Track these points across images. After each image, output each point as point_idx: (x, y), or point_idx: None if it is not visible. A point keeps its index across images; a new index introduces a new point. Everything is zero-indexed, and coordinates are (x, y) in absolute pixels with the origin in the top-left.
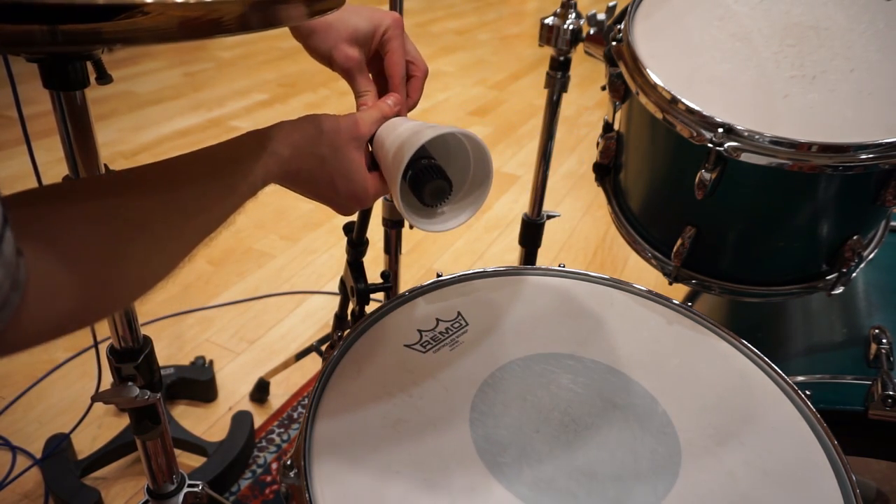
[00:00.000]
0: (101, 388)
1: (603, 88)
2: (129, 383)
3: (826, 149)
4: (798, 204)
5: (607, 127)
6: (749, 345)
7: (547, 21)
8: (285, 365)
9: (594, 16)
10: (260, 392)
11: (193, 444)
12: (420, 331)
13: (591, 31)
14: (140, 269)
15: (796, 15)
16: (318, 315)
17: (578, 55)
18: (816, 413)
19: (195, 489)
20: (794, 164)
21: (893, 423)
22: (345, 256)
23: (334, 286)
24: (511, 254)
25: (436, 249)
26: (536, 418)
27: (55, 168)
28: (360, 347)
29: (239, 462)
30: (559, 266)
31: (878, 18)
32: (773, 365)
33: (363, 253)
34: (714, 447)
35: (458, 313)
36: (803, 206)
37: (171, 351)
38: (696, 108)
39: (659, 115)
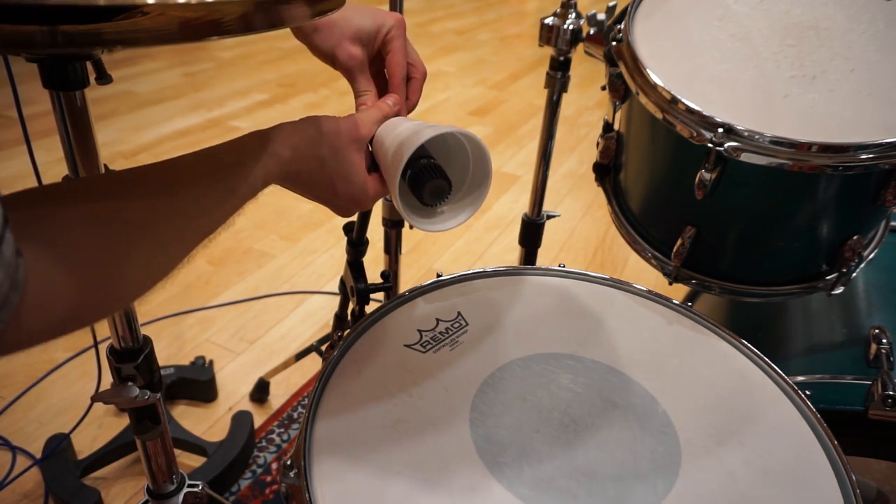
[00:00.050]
0: (101, 388)
1: (603, 88)
2: (129, 383)
3: (826, 149)
4: (798, 204)
5: (607, 127)
6: (749, 345)
7: (547, 21)
8: (285, 365)
9: (594, 16)
10: (260, 392)
11: (193, 444)
12: (420, 331)
13: (591, 31)
14: (139, 271)
15: (796, 15)
16: (318, 315)
17: (578, 55)
18: (816, 413)
19: (195, 489)
20: (794, 164)
21: (893, 423)
22: (345, 256)
23: (334, 286)
24: (511, 254)
25: (436, 249)
26: (536, 418)
27: (55, 168)
28: (360, 347)
29: (239, 462)
30: (559, 266)
31: (878, 18)
32: (773, 365)
33: (363, 253)
34: (714, 447)
35: (458, 313)
36: (803, 206)
37: (171, 351)
38: (696, 108)
39: (659, 115)
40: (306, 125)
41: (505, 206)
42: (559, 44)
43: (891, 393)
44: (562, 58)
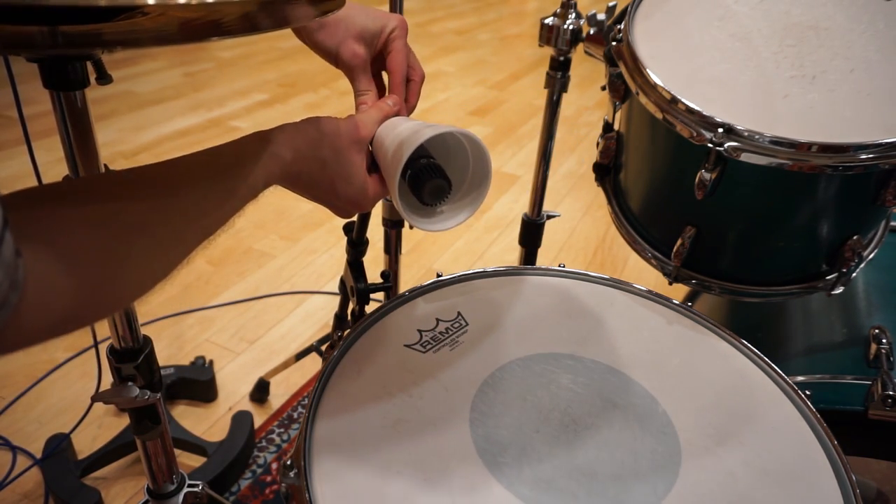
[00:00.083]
0: (101, 388)
1: (603, 88)
2: (129, 383)
3: (826, 149)
4: (798, 204)
5: (607, 127)
6: (749, 345)
7: (547, 21)
8: (285, 365)
9: (594, 16)
10: (260, 392)
11: (193, 444)
12: (420, 331)
13: (591, 31)
14: (138, 271)
15: (796, 15)
16: (318, 315)
17: (578, 55)
18: (816, 413)
19: (195, 489)
20: (794, 164)
21: (893, 423)
22: (345, 256)
23: (334, 286)
24: (511, 254)
25: (436, 249)
26: (536, 418)
27: (55, 168)
28: (360, 347)
29: (239, 462)
30: (559, 266)
31: (878, 18)
32: (773, 365)
33: (363, 253)
34: (714, 447)
35: (458, 313)
36: (803, 206)
37: (171, 351)
38: (696, 108)
39: (659, 115)
40: (307, 126)
41: (505, 206)
42: (559, 44)
43: (891, 393)
44: (562, 58)
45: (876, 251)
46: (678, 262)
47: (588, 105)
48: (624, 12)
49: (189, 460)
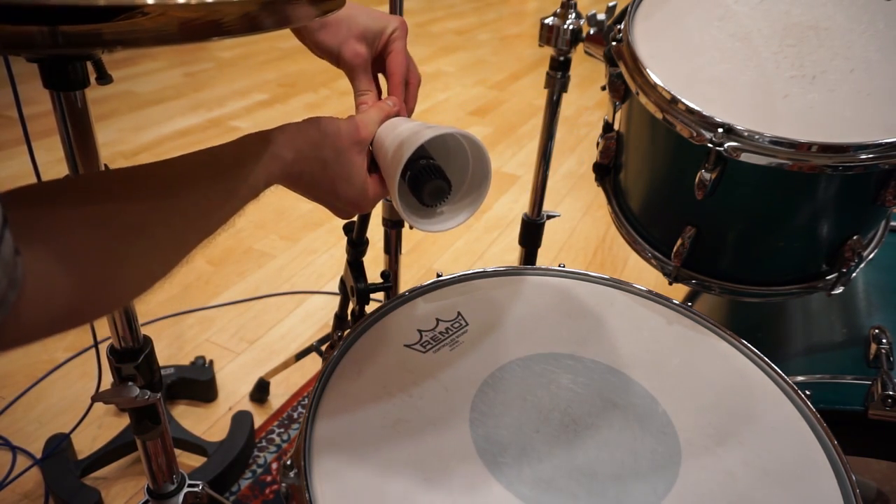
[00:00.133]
0: (101, 388)
1: (603, 88)
2: (130, 383)
3: (826, 149)
4: (798, 204)
5: (607, 127)
6: (749, 345)
7: (547, 21)
8: (285, 365)
9: (594, 16)
10: (260, 392)
11: (193, 444)
12: (420, 331)
13: (591, 31)
14: (137, 271)
15: (796, 15)
16: (318, 315)
17: (578, 55)
18: (816, 413)
19: (195, 489)
20: (794, 164)
21: (893, 423)
22: (345, 256)
23: (334, 286)
24: (511, 254)
25: (436, 249)
26: (536, 418)
27: (55, 168)
28: (360, 347)
29: (239, 462)
30: (559, 266)
31: (878, 18)
32: (773, 365)
33: (363, 253)
34: (714, 447)
35: (458, 313)
36: (803, 206)
37: (171, 351)
38: (696, 108)
39: (659, 115)
40: (309, 126)
41: (505, 206)
42: (559, 44)
43: (891, 393)
44: (562, 58)
45: (876, 251)
46: (678, 262)
47: (588, 105)
48: (624, 12)
49: (189, 460)
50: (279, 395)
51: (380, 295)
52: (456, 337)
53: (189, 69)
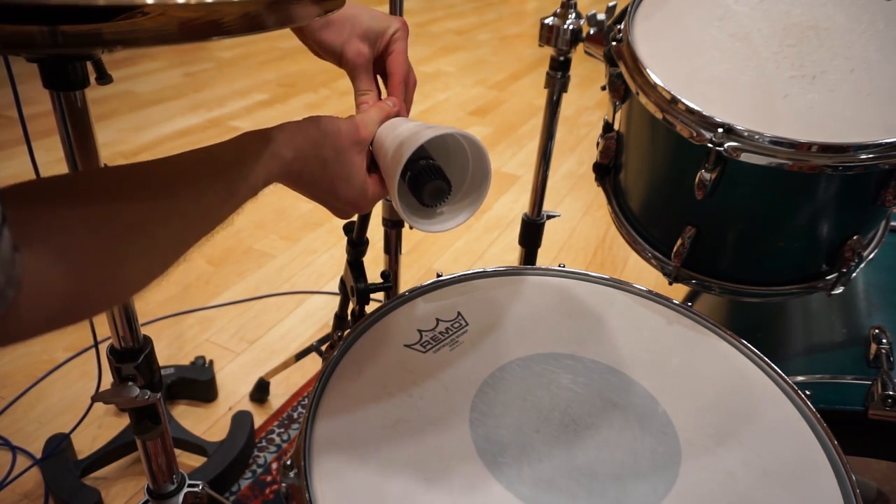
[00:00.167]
0: (101, 388)
1: (603, 88)
2: (129, 383)
3: (826, 149)
4: (798, 204)
5: (607, 127)
6: (749, 345)
7: (547, 21)
8: (285, 365)
9: (594, 16)
10: (260, 392)
11: (193, 444)
12: (420, 331)
13: (591, 31)
14: (136, 269)
15: (796, 15)
16: (318, 315)
17: (578, 55)
18: (816, 413)
19: (195, 489)
20: (794, 164)
21: (893, 423)
22: (345, 256)
23: (334, 286)
24: (511, 254)
25: (436, 249)
26: (536, 418)
27: (55, 168)
28: (360, 347)
29: (239, 462)
30: (559, 266)
31: (878, 18)
32: (773, 365)
33: (363, 253)
34: (714, 447)
35: (458, 313)
36: (803, 206)
37: (171, 351)
38: (696, 108)
39: (659, 115)
40: (309, 125)
41: (505, 206)
42: (559, 44)
43: (891, 393)
44: (562, 58)
45: (876, 251)
46: (678, 262)
47: (588, 105)
48: (624, 12)
49: (189, 460)
50: (279, 395)
51: (380, 295)
52: (456, 337)
53: (189, 69)
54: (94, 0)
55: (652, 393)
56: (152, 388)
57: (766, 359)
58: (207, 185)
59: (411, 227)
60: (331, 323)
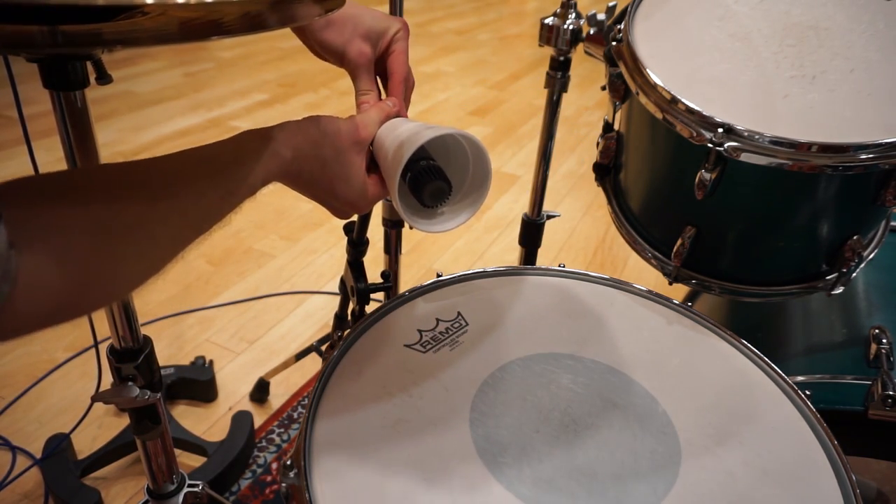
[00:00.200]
0: (101, 388)
1: (603, 88)
2: (129, 383)
3: (826, 149)
4: (798, 204)
5: (607, 127)
6: (749, 345)
7: (547, 21)
8: (285, 365)
9: (594, 16)
10: (260, 392)
11: (193, 444)
12: (420, 331)
13: (591, 31)
14: (132, 267)
15: (796, 15)
16: (318, 315)
17: (578, 55)
18: (816, 413)
19: (195, 489)
20: (794, 164)
21: (893, 423)
22: (345, 256)
23: (334, 286)
24: (511, 254)
25: (436, 249)
26: (536, 418)
27: (55, 168)
28: (360, 347)
29: (239, 462)
30: (559, 266)
31: (878, 18)
32: (773, 365)
33: (363, 253)
34: (714, 447)
35: (458, 313)
36: (803, 206)
37: (171, 351)
38: (696, 108)
39: (659, 115)
40: (308, 125)
41: (505, 206)
42: (559, 44)
43: (891, 393)
44: (562, 58)
45: (876, 251)
46: (678, 262)
47: (588, 105)
48: (624, 12)
49: (189, 460)
50: (279, 395)
51: (380, 295)
52: (456, 337)
53: (189, 69)
54: (94, 0)
55: (652, 393)
56: (152, 388)
57: (766, 359)
58: (206, 183)
59: (411, 228)
60: (331, 323)
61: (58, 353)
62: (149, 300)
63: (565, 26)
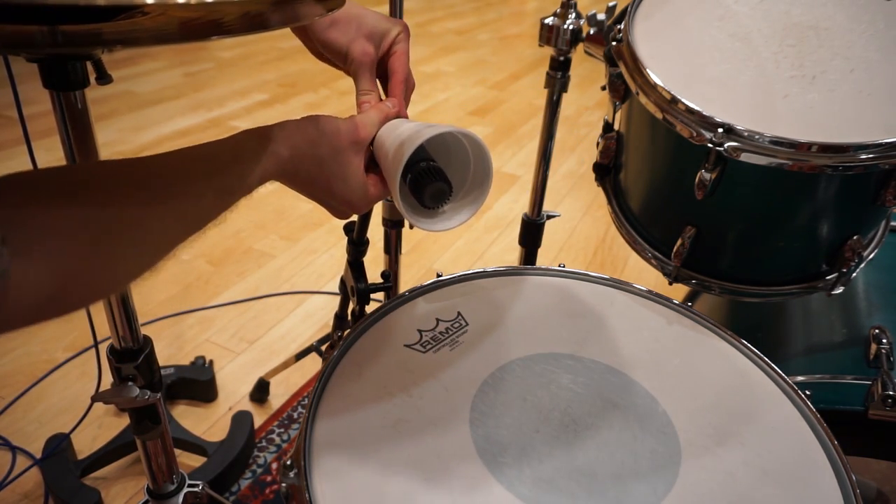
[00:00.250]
0: (101, 388)
1: (603, 88)
2: (129, 383)
3: (826, 149)
4: (798, 204)
5: (607, 127)
6: (749, 345)
7: (547, 21)
8: (285, 365)
9: (594, 16)
10: (260, 392)
11: (193, 444)
12: (420, 331)
13: (591, 31)
14: (128, 264)
15: (796, 15)
16: (318, 315)
17: (578, 55)
18: (816, 413)
19: (195, 489)
20: (794, 164)
21: (893, 423)
22: (345, 256)
23: (334, 286)
24: (511, 254)
25: (436, 249)
26: (536, 418)
27: None
28: (360, 347)
29: (239, 462)
30: (559, 266)
31: (878, 18)
32: (773, 365)
33: (363, 253)
34: (714, 447)
35: (458, 313)
36: (803, 206)
37: (171, 351)
38: (696, 108)
39: (659, 115)
40: (307, 124)
41: (505, 206)
42: (559, 44)
43: (891, 393)
44: (562, 58)
45: (876, 251)
46: (678, 262)
47: (588, 105)
48: (624, 12)
49: (189, 460)
50: (279, 395)
51: (380, 295)
52: (456, 337)
53: (189, 69)
54: (94, 0)
55: (652, 393)
56: (152, 388)
57: (766, 359)
58: (205, 183)
59: (412, 227)
60: (331, 323)
61: (58, 353)
62: (149, 300)
63: (565, 26)
